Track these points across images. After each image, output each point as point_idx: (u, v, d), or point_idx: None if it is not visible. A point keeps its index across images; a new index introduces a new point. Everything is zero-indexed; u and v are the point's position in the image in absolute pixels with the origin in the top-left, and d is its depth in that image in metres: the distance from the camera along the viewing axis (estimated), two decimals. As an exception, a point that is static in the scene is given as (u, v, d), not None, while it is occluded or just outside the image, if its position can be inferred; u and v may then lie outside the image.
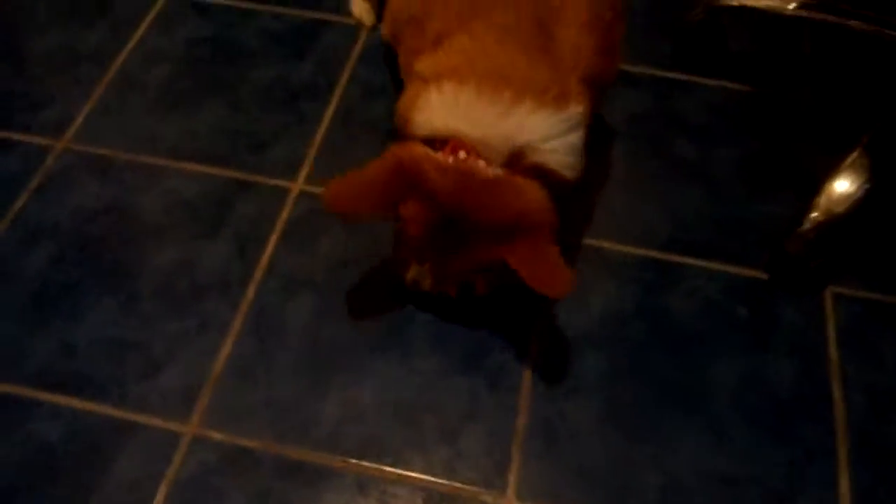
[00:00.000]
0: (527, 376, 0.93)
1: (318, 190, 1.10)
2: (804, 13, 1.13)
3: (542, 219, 0.83)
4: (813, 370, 0.94)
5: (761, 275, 1.01)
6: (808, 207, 0.97)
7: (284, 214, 1.08)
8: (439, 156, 0.84)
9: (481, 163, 0.84)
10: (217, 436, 0.88)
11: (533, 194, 0.84)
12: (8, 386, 0.91)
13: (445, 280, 0.91)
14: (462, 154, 0.84)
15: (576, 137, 0.87)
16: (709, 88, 1.22)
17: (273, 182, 1.11)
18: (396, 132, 0.94)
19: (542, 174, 0.85)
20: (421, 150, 0.84)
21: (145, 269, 1.02)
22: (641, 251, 1.04)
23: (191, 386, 0.92)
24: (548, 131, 0.84)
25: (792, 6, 1.12)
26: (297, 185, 1.11)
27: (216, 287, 1.01)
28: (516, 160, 0.85)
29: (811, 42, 1.25)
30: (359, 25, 1.31)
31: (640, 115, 1.19)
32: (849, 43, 1.24)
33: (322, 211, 1.06)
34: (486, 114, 0.84)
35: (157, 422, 0.89)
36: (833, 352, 0.95)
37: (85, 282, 1.01)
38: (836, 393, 0.92)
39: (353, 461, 0.87)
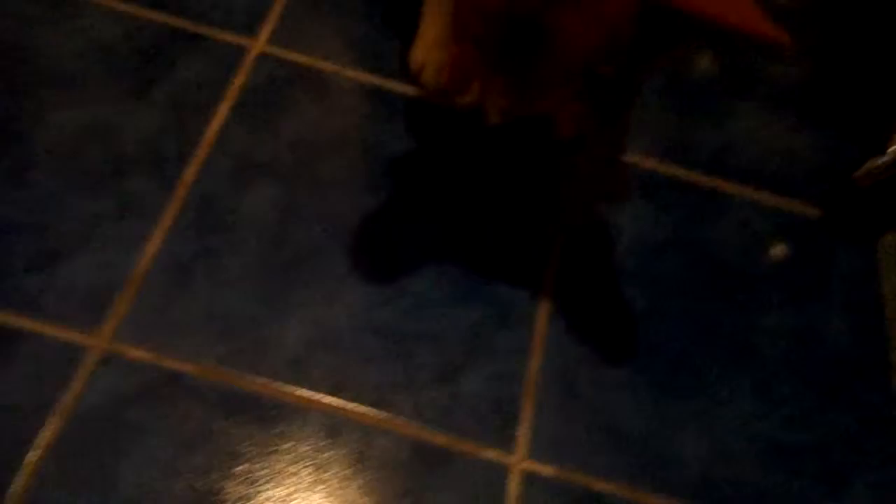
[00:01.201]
0: (542, 311, 0.75)
1: (283, 53, 0.86)
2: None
3: None
4: (870, 328, 0.80)
5: (816, 212, 0.86)
6: (884, 142, 0.81)
7: (239, 80, 0.83)
8: None
9: None
10: (135, 353, 0.65)
11: None
12: None
13: (530, 96, 0.60)
14: None
15: None
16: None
17: (226, 37, 0.86)
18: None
19: None
20: None
21: (44, 130, 0.76)
22: (681, 171, 0.86)
23: (101, 286, 0.68)
24: None
25: None
26: (258, 44, 0.86)
27: (144, 162, 0.76)
28: None
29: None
30: None
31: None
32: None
33: (288, 81, 0.84)
34: None
35: (53, 330, 0.65)
36: (892, 310, 0.82)
37: (-44, 137, 0.73)
38: (894, 357, 0.79)
39: (322, 397, 0.66)
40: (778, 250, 0.83)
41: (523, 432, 0.68)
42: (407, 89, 0.86)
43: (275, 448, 0.63)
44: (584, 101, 0.60)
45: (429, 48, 0.85)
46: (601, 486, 0.66)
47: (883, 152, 0.82)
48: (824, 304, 0.80)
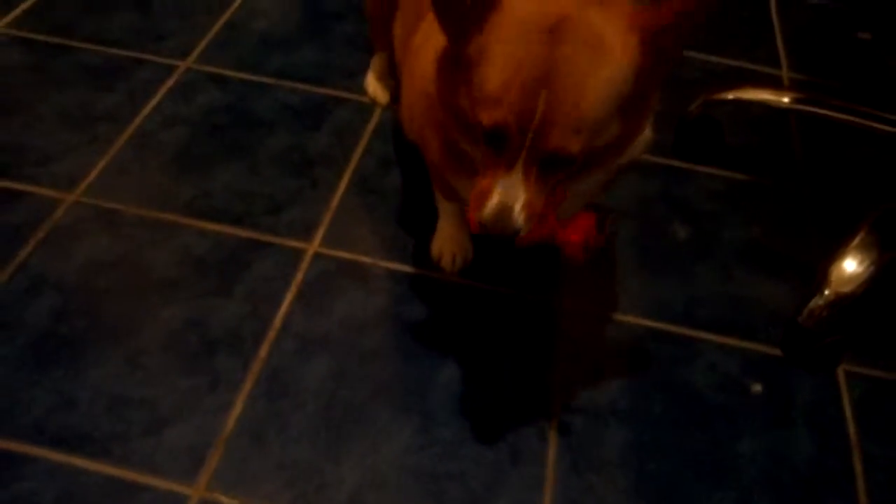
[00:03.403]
0: (552, 448, 0.91)
1: (333, 252, 1.10)
2: (797, 107, 1.21)
3: None
4: (833, 446, 0.94)
5: (774, 351, 1.03)
6: (819, 285, 1.00)
7: (300, 275, 1.06)
8: None
9: None
10: (225, 500, 0.82)
11: None
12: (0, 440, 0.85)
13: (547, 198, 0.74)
14: None
15: None
16: (709, 176, 1.28)
17: (288, 243, 1.10)
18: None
19: None
20: None
21: (153, 324, 0.99)
22: (659, 324, 1.05)
23: (198, 445, 0.87)
24: None
25: (786, 100, 1.20)
26: (313, 246, 1.10)
27: (228, 345, 0.97)
28: None
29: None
30: (373, 103, 1.35)
31: (649, 199, 1.24)
32: (840, 132, 1.32)
33: (337, 273, 1.07)
34: None
35: (161, 483, 0.83)
36: (851, 429, 0.95)
37: (88, 335, 0.96)
38: (858, 468, 0.92)
39: (373, 531, 0.82)
40: (750, 387, 0.99)
41: (540, 553, 0.82)
42: (429, 273, 1.08)
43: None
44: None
45: (444, 241, 1.09)
46: None
47: (820, 294, 0.99)
48: (792, 429, 0.95)
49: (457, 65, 0.72)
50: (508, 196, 0.70)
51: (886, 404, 0.99)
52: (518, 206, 0.70)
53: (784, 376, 1.01)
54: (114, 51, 1.39)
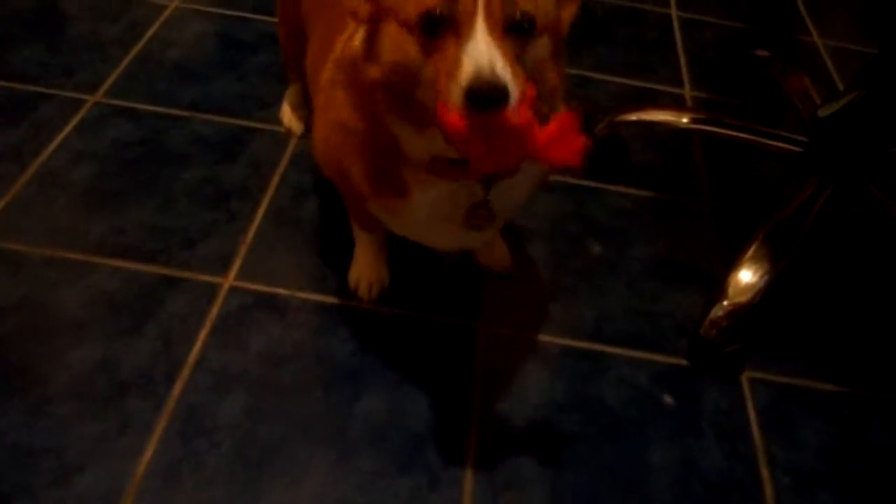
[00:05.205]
0: (469, 472, 0.92)
1: (250, 285, 1.09)
2: (695, 126, 1.27)
3: None
4: (740, 453, 0.98)
5: (682, 362, 1.07)
6: (718, 296, 1.05)
7: (215, 310, 1.05)
8: None
9: None
10: (137, 547, 0.81)
11: None
12: None
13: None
14: None
15: None
16: (618, 194, 1.33)
17: (203, 278, 1.09)
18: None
19: None
20: None
21: (60, 368, 0.96)
22: (571, 342, 1.08)
23: (110, 492, 0.84)
24: None
25: (685, 120, 1.27)
26: (228, 280, 1.09)
27: (139, 386, 0.95)
28: None
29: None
30: (288, 133, 1.35)
31: (559, 218, 1.27)
32: (739, 148, 1.39)
33: (254, 306, 1.06)
34: None
35: (68, 535, 0.81)
36: (756, 435, 1.00)
37: (-10, 384, 0.93)
38: (764, 474, 0.96)
39: (291, 568, 0.81)
40: (661, 398, 1.03)
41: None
42: (348, 302, 1.09)
43: None
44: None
45: (362, 269, 1.10)
46: None
47: (719, 304, 1.04)
48: (701, 438, 0.99)
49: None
50: (482, 54, 0.62)
51: (788, 408, 1.04)
52: (499, 62, 0.62)
53: (692, 386, 1.05)
54: (18, 85, 1.36)
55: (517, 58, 0.66)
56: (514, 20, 0.65)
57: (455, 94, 0.63)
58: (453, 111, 0.63)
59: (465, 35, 0.64)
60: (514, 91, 0.63)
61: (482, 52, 0.62)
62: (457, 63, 0.63)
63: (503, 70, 0.62)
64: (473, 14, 0.64)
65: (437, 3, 0.65)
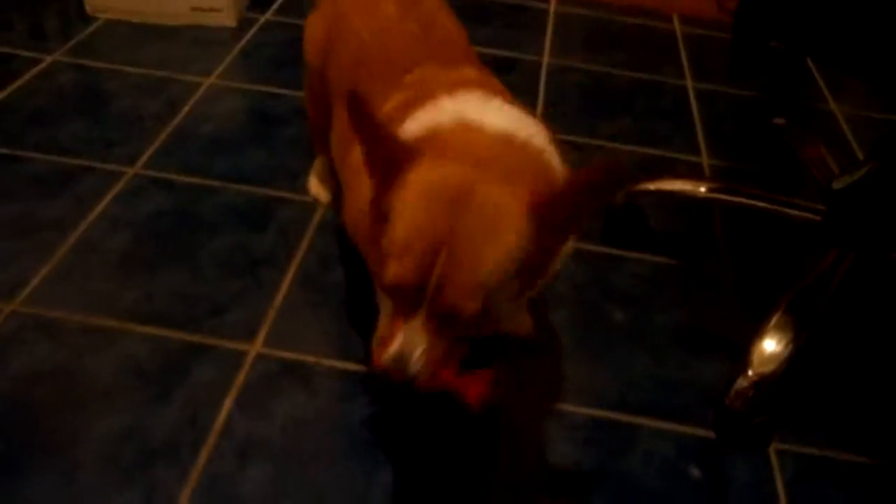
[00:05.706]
0: (492, 542, 0.91)
1: (276, 352, 1.11)
2: (713, 196, 1.29)
3: None
4: (769, 527, 0.96)
5: (709, 433, 1.06)
6: (742, 366, 1.04)
7: (241, 378, 1.07)
8: None
9: None
10: None
11: None
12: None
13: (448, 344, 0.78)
14: None
15: None
16: (638, 261, 1.35)
17: (230, 345, 1.11)
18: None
19: None
20: None
21: (89, 435, 0.97)
22: (597, 412, 1.07)
23: (133, 563, 0.85)
24: None
25: (702, 189, 1.29)
26: (255, 347, 1.11)
27: (164, 454, 0.96)
28: None
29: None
30: (315, 202, 1.40)
31: (581, 285, 1.29)
32: (758, 216, 1.41)
33: (280, 373, 1.08)
34: None
35: None
36: (785, 507, 0.98)
37: (22, 452, 0.94)
38: (794, 550, 0.94)
39: None
40: (689, 471, 1.02)
41: None
42: (372, 370, 1.10)
43: None
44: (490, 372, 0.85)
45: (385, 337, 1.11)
46: None
47: (744, 375, 1.04)
48: (728, 510, 0.97)
49: (378, 212, 0.76)
50: (408, 344, 0.73)
51: (816, 480, 1.02)
52: (416, 354, 0.73)
53: (719, 458, 1.03)
54: (63, 159, 1.43)
55: (456, 339, 0.75)
56: (452, 316, 0.72)
57: (377, 358, 0.75)
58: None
59: (407, 313, 0.73)
60: (426, 374, 0.73)
61: (407, 342, 0.73)
62: (392, 334, 0.74)
63: (417, 362, 0.73)
64: (418, 304, 0.72)
65: (407, 284, 0.71)
